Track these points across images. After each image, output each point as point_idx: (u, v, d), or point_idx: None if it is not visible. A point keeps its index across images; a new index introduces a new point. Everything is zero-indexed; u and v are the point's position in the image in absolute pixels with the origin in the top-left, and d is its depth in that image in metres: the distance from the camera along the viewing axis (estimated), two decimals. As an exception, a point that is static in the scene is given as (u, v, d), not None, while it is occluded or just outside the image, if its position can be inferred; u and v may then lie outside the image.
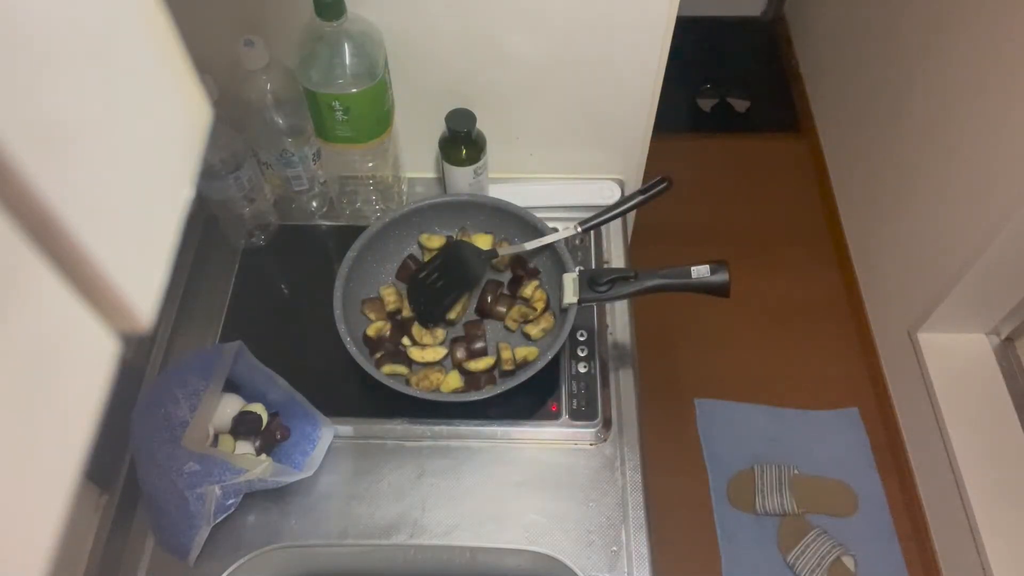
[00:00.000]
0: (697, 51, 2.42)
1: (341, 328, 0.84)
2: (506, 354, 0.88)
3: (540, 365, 0.82)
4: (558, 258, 0.90)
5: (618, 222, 1.04)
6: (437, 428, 0.87)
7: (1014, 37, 1.29)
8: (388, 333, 0.90)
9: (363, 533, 0.82)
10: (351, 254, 0.90)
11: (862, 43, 1.92)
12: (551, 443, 0.87)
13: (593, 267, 1.00)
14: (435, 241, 0.97)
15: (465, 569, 0.83)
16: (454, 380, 0.87)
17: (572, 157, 1.06)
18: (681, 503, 1.61)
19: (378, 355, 0.88)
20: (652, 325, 1.77)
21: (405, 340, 0.91)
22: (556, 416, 0.88)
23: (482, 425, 0.87)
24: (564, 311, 0.86)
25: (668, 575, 1.53)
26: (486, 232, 0.97)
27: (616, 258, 1.02)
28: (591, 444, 0.87)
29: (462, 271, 0.92)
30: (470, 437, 0.87)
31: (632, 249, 1.06)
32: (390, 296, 0.93)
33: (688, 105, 2.34)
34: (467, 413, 0.87)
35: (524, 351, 0.88)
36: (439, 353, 0.89)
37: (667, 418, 1.73)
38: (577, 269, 0.86)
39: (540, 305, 0.92)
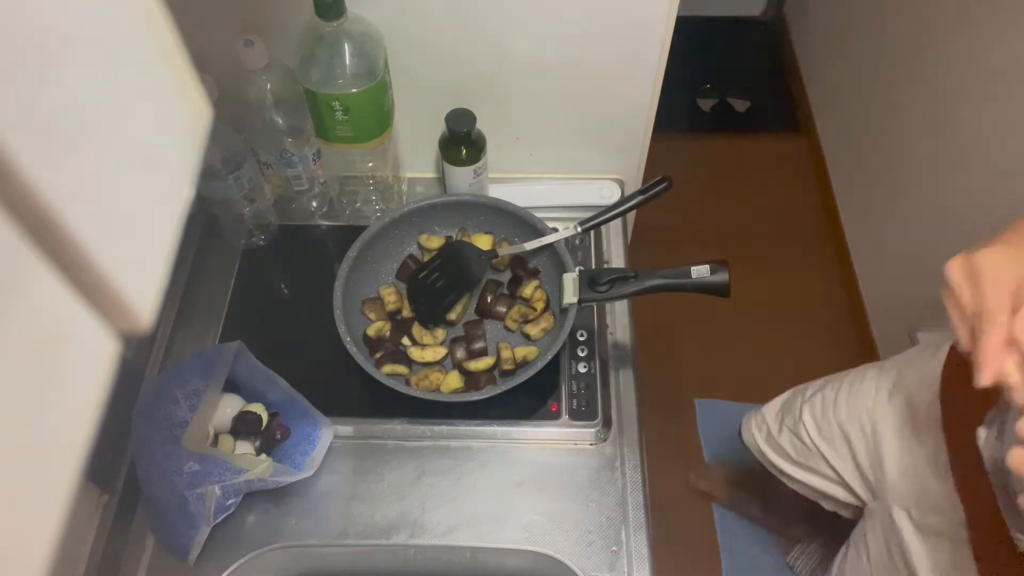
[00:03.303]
0: (697, 51, 2.42)
1: (341, 328, 0.84)
2: (506, 354, 0.88)
3: (540, 365, 0.82)
4: (558, 258, 0.90)
5: (618, 222, 1.04)
6: (437, 428, 0.87)
7: (1015, 36, 1.29)
8: (388, 333, 0.90)
9: (363, 533, 0.82)
10: (351, 254, 0.90)
11: (862, 43, 1.92)
12: (551, 443, 0.87)
13: (593, 267, 1.00)
14: (435, 241, 0.97)
15: (465, 569, 0.83)
16: (454, 380, 0.87)
17: (572, 157, 1.06)
18: (681, 503, 1.61)
19: (378, 355, 0.88)
20: (652, 325, 1.77)
21: (405, 340, 0.91)
22: (556, 416, 0.88)
23: (482, 425, 0.87)
24: (564, 311, 0.86)
25: (668, 575, 1.53)
26: (486, 232, 0.97)
27: (616, 258, 1.02)
28: (591, 444, 0.87)
29: (462, 271, 0.92)
30: (470, 437, 0.87)
31: (632, 249, 1.06)
32: (390, 296, 0.93)
33: (688, 105, 2.34)
34: (467, 413, 0.87)
35: (524, 351, 0.88)
36: (439, 353, 0.89)
37: (667, 418, 1.73)
38: (577, 269, 0.86)
39: (540, 305, 0.92)
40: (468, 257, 0.92)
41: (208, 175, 0.89)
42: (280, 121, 0.91)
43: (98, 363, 0.24)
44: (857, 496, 1.01)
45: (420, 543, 0.81)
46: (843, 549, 1.03)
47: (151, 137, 0.27)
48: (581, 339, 0.93)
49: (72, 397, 0.23)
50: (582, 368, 0.91)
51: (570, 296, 0.84)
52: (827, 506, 1.11)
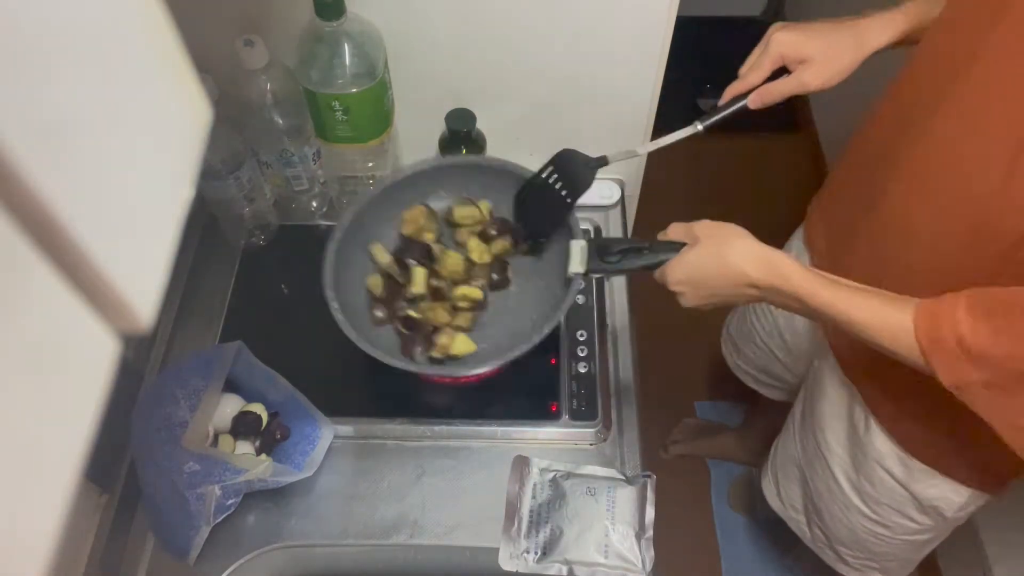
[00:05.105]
0: (697, 51, 2.42)
1: (329, 294, 0.79)
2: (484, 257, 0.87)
3: (547, 330, 0.77)
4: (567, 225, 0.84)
5: (618, 221, 1.05)
6: (437, 428, 0.87)
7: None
8: (383, 291, 0.87)
9: (363, 533, 0.82)
10: (346, 219, 0.85)
11: (862, 43, 1.91)
12: (551, 443, 0.87)
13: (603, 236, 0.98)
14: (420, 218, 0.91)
15: (465, 569, 0.83)
16: (463, 344, 0.83)
17: (572, 157, 1.06)
18: (681, 503, 1.61)
19: (379, 314, 0.85)
20: (652, 325, 1.77)
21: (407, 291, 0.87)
22: (556, 416, 0.88)
23: (482, 425, 0.87)
24: (568, 281, 0.79)
25: (668, 575, 1.53)
26: (486, 200, 0.91)
27: (616, 258, 1.02)
28: (591, 444, 0.87)
29: (571, 177, 0.84)
30: (470, 437, 0.87)
31: (632, 249, 1.06)
32: (383, 257, 0.88)
33: (688, 105, 2.34)
34: (467, 413, 0.88)
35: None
36: (444, 312, 0.85)
37: (667, 418, 1.73)
38: (586, 237, 0.80)
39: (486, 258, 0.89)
40: (576, 164, 0.84)
41: (208, 175, 0.89)
42: (280, 121, 0.91)
43: (98, 363, 0.24)
44: (788, 369, 1.12)
45: (420, 543, 0.81)
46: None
47: (151, 137, 0.27)
48: (581, 339, 0.93)
49: (72, 397, 0.23)
50: (582, 368, 0.91)
51: (576, 266, 0.76)
52: (771, 394, 1.22)
